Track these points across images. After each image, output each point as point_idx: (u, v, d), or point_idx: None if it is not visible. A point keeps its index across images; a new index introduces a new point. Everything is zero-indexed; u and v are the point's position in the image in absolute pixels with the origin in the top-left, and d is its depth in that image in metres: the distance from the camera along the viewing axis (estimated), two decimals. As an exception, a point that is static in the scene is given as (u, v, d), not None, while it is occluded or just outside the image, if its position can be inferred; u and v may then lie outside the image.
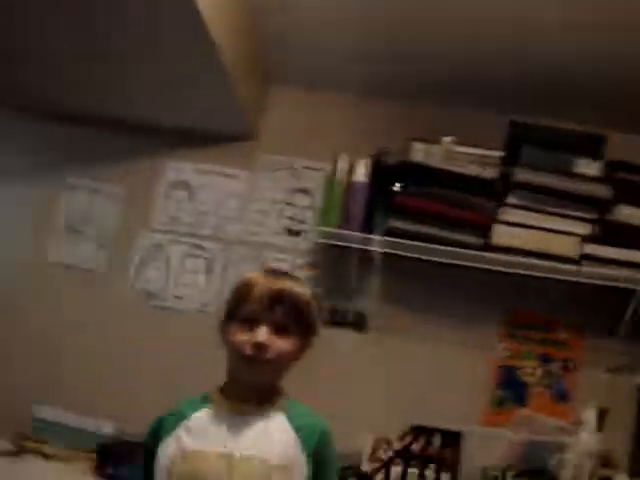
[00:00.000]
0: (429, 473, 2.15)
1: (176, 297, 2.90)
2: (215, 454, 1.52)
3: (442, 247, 2.48)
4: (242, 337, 1.55)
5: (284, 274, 1.68)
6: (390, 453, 2.15)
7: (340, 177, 2.63)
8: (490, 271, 2.53)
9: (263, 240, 2.90)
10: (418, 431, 2.19)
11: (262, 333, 1.54)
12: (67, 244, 3.04)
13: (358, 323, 2.75)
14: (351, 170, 2.63)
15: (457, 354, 2.67)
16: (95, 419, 2.67)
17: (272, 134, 2.99)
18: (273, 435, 1.57)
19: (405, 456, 2.14)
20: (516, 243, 2.51)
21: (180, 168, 3.03)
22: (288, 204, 2.91)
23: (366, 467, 2.16)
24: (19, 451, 2.50)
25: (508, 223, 2.53)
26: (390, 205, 2.57)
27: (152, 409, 2.22)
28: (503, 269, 2.48)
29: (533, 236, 2.52)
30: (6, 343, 2.93)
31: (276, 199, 2.93)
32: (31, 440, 2.56)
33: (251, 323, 1.55)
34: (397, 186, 2.57)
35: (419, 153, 2.56)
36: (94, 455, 2.44)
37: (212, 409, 1.60)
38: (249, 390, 1.59)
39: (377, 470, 2.11)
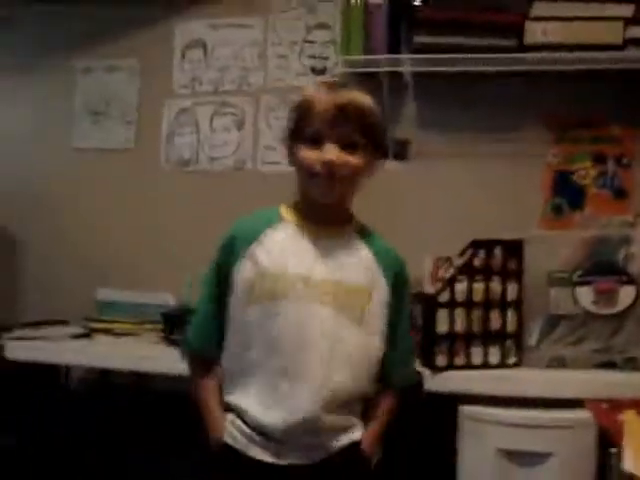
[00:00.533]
0: (494, 285, 2.12)
1: (211, 159, 2.85)
2: (296, 276, 1.50)
3: (474, 55, 2.34)
4: (310, 156, 1.50)
5: (345, 86, 1.60)
6: (452, 271, 2.11)
7: (356, 2, 2.49)
8: (528, 74, 2.40)
9: (289, 84, 2.78)
10: (477, 245, 2.14)
11: (331, 150, 1.48)
12: (92, 127, 2.99)
13: (398, 151, 2.66)
14: (367, -8, 2.49)
15: (505, 167, 2.57)
16: (155, 293, 2.69)
17: (280, -28, 2.83)
18: (352, 257, 1.56)
19: (468, 272, 2.11)
20: (552, 38, 2.36)
21: (192, 28, 2.91)
22: (308, 42, 2.78)
23: (429, 288, 2.14)
24: (90, 332, 2.55)
25: (541, 18, 2.37)
26: (413, 21, 2.44)
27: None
28: (542, 68, 2.34)
29: (570, 28, 2.35)
30: (60, 235, 2.96)
31: (295, 40, 2.80)
32: (99, 321, 2.60)
33: (318, 141, 1.50)
34: (417, 0, 2.42)
35: (437, -39, 2.39)
36: (160, 325, 2.47)
37: (288, 228, 1.57)
38: (322, 210, 1.56)
39: (441, 290, 2.08)
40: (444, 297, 2.10)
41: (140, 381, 2.61)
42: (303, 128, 1.52)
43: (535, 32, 2.37)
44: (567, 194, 2.55)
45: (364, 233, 1.62)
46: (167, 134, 2.90)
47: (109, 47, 2.98)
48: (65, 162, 3.02)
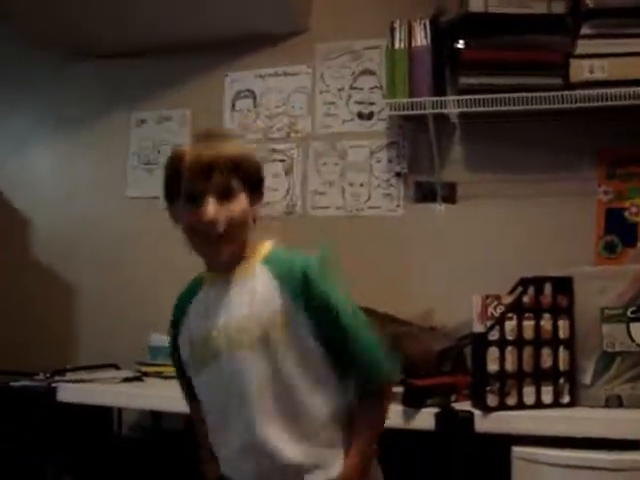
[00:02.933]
0: (545, 323, 2.08)
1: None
2: (215, 332, 1.49)
3: (520, 94, 2.34)
4: (191, 217, 1.45)
5: (214, 136, 1.54)
6: (501, 309, 2.08)
7: (400, 46, 2.53)
8: (574, 112, 2.39)
9: (336, 130, 2.83)
10: (526, 283, 2.11)
11: (209, 207, 1.43)
12: (145, 177, 3.07)
13: (447, 194, 2.66)
14: (410, 36, 2.52)
15: (555, 207, 2.54)
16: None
17: (324, 21, 2.89)
18: (258, 292, 1.48)
19: (517, 310, 2.07)
20: (599, 75, 2.35)
21: (241, 78, 3.00)
22: (354, 89, 2.82)
23: (478, 327, 2.11)
24: (141, 376, 2.57)
25: (585, 56, 2.36)
26: (457, 63, 2.46)
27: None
28: (589, 105, 2.33)
29: (614, 64, 2.34)
30: (114, 281, 3.02)
31: (342, 86, 2.84)
32: (150, 365, 2.63)
33: (194, 197, 1.44)
34: (461, 42, 2.45)
35: (477, 3, 2.42)
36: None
37: (206, 288, 1.57)
38: (224, 263, 1.52)
39: (491, 328, 2.05)
40: (494, 335, 2.06)
41: (191, 426, 2.62)
42: (178, 185, 1.47)
43: (581, 69, 2.36)
44: (620, 231, 2.51)
45: (270, 260, 1.53)
46: (218, 182, 2.95)
47: (162, 98, 3.08)
48: (119, 211, 3.10)
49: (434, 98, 2.47)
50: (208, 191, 1.44)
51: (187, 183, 1.45)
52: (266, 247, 1.57)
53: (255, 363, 1.45)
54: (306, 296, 1.46)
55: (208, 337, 1.50)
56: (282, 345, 1.45)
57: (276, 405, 1.45)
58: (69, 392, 2.43)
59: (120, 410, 2.68)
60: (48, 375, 2.56)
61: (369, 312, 2.38)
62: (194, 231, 1.47)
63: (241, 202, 1.48)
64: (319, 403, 1.48)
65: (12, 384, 2.60)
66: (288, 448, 1.44)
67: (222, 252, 1.48)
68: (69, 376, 2.55)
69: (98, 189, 3.18)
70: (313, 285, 1.47)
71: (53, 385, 2.45)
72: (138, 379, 2.55)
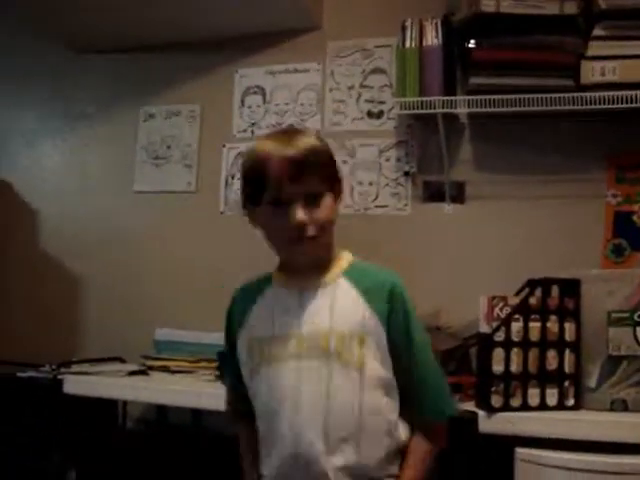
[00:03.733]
0: (551, 325, 2.08)
1: (269, 201, 2.89)
2: (286, 336, 1.46)
3: (530, 95, 2.34)
4: (277, 222, 1.43)
5: (293, 131, 1.53)
6: (508, 310, 2.08)
7: (411, 45, 2.52)
8: (585, 114, 2.39)
9: (346, 128, 2.83)
10: (533, 284, 2.10)
11: (297, 213, 1.40)
12: (153, 171, 3.08)
13: (455, 194, 2.66)
14: (421, 35, 2.52)
15: (563, 209, 2.54)
16: (211, 333, 2.71)
17: (336, 19, 2.89)
18: (338, 304, 1.46)
19: (524, 311, 2.07)
20: (610, 77, 2.34)
21: (251, 74, 3.00)
22: (364, 87, 2.82)
23: (484, 328, 2.10)
24: (146, 369, 2.57)
25: (597, 58, 2.35)
26: (468, 63, 2.45)
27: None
28: (599, 107, 2.32)
29: (626, 66, 2.33)
30: (121, 275, 3.03)
31: (352, 84, 2.84)
32: (155, 359, 2.64)
33: (280, 202, 1.42)
34: (472, 42, 2.44)
35: (489, 3, 2.41)
36: (213, 364, 2.48)
37: (276, 290, 1.53)
38: (305, 265, 1.49)
39: (496, 329, 2.04)
40: (500, 336, 2.06)
41: (196, 421, 2.63)
42: (262, 191, 1.44)
43: (592, 71, 2.35)
44: (628, 234, 2.50)
45: (351, 272, 1.52)
46: (226, 177, 2.95)
47: (171, 93, 3.08)
48: (127, 205, 3.11)
49: (444, 97, 2.46)
50: (297, 195, 1.41)
51: (275, 187, 1.42)
52: (346, 258, 1.55)
53: (324, 374, 1.42)
54: (390, 312, 1.46)
55: (277, 340, 1.47)
56: (355, 361, 1.43)
57: (333, 420, 1.42)
58: (75, 384, 2.43)
59: (125, 403, 2.69)
60: (54, 367, 2.57)
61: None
62: (280, 238, 1.47)
63: (327, 204, 1.45)
64: (377, 427, 1.46)
65: (19, 375, 2.62)
66: (337, 464, 1.41)
67: (309, 253, 1.46)
68: (75, 368, 2.55)
69: (106, 183, 3.19)
70: (399, 303, 1.48)
71: (59, 377, 2.46)
72: (143, 373, 2.55)
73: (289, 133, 1.50)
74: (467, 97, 2.44)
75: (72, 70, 3.29)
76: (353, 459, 1.42)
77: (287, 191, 1.41)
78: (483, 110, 2.41)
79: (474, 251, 2.61)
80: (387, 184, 2.75)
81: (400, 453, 1.49)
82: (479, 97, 2.40)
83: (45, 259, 3.22)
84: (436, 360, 1.55)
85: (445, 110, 2.47)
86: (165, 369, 2.57)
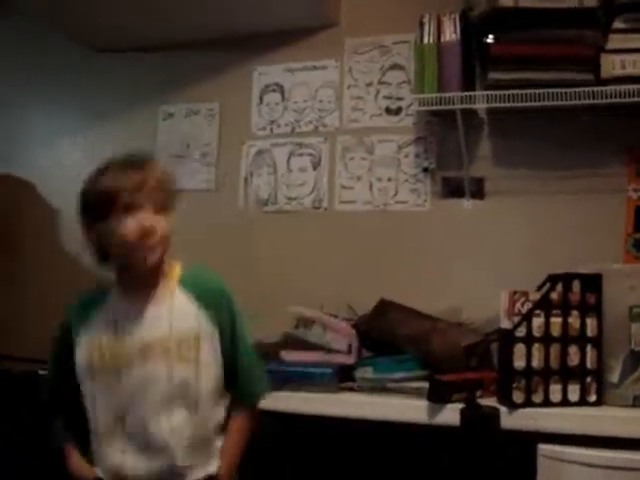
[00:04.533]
0: (572, 320, 2.07)
1: (289, 198, 2.89)
2: (129, 344, 1.59)
3: (549, 90, 2.32)
4: (124, 228, 1.55)
5: (132, 164, 1.65)
6: (529, 305, 2.07)
7: (429, 40, 2.51)
8: (605, 108, 2.37)
9: (364, 125, 2.82)
10: (555, 279, 2.09)
11: (146, 217, 1.56)
12: (174, 170, 3.07)
13: (475, 190, 2.65)
14: (439, 31, 2.50)
15: (584, 203, 2.52)
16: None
17: (353, 16, 2.89)
18: (175, 312, 1.62)
19: (545, 306, 2.06)
20: (630, 70, 2.32)
21: (269, 71, 3.00)
22: (383, 83, 2.82)
23: (506, 323, 2.10)
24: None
25: (617, 51, 2.33)
26: (487, 58, 2.44)
27: (281, 313, 2.28)
28: (619, 101, 2.30)
29: (648, 59, 2.32)
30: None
31: (370, 81, 2.84)
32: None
33: (125, 212, 1.56)
34: (490, 37, 2.43)
35: (508, -3, 2.40)
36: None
37: (114, 300, 1.65)
38: (139, 276, 1.63)
39: (518, 324, 2.04)
40: (521, 332, 2.05)
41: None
42: (103, 216, 1.58)
43: (612, 64, 2.33)
44: (650, 229, 2.48)
45: (184, 279, 1.69)
46: (246, 175, 2.96)
47: (190, 92, 3.09)
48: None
49: (463, 93, 2.45)
50: (141, 205, 1.57)
51: (117, 209, 1.56)
52: (177, 268, 1.72)
53: (167, 375, 1.58)
54: (222, 315, 1.66)
55: (119, 348, 1.59)
56: (195, 362, 1.60)
57: (181, 414, 1.59)
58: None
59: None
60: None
61: (396, 307, 2.39)
62: (123, 243, 1.56)
63: (167, 219, 1.64)
64: (216, 415, 1.66)
65: (40, 372, 2.63)
66: (183, 453, 1.59)
67: (150, 259, 1.60)
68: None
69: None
70: (228, 305, 1.68)
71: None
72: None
73: (130, 165, 1.65)
74: (486, 92, 2.42)
75: (92, 69, 3.30)
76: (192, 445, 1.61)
77: (133, 201, 1.58)
78: (502, 105, 2.39)
79: (494, 246, 2.60)
80: (406, 180, 2.74)
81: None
82: (498, 92, 2.38)
83: (66, 258, 3.23)
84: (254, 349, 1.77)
85: (464, 106, 2.45)
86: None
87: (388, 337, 2.32)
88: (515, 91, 2.36)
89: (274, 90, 2.97)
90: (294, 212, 2.89)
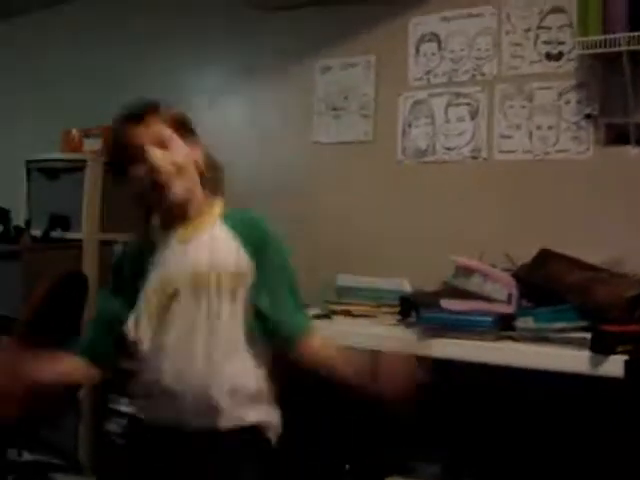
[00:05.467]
0: None
1: (447, 149, 2.89)
2: (173, 279, 1.62)
3: None
4: (137, 172, 1.59)
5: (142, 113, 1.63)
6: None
7: (593, -21, 2.42)
8: None
9: (523, 72, 2.76)
10: None
11: (152, 155, 1.57)
12: (331, 122, 3.16)
13: (641, 136, 2.55)
14: (604, -34, 2.40)
15: None
16: (391, 279, 2.77)
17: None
18: (217, 247, 1.63)
19: None
20: None
21: (425, 21, 2.98)
22: (542, 28, 2.74)
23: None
24: (329, 314, 2.68)
25: None
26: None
27: (439, 262, 2.29)
28: None
29: None
30: (302, 224, 3.14)
31: (529, 27, 2.76)
32: (338, 303, 2.73)
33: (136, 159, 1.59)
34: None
35: None
36: (395, 309, 2.54)
37: (160, 243, 1.66)
38: (178, 213, 1.65)
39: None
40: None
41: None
42: (124, 166, 1.62)
43: None
44: None
45: (226, 216, 1.69)
46: (403, 126, 2.98)
47: (347, 45, 3.13)
48: (306, 155, 3.22)
49: (630, 34, 2.34)
50: (149, 143, 1.59)
51: (133, 162, 1.60)
52: (218, 205, 1.72)
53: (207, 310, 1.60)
54: (260, 249, 1.66)
55: (167, 284, 1.62)
56: (237, 297, 1.62)
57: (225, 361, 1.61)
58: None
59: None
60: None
61: (557, 257, 2.36)
62: (141, 185, 1.60)
63: (182, 147, 1.64)
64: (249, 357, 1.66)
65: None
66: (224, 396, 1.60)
67: (173, 194, 1.61)
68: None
69: (286, 135, 3.32)
70: (265, 239, 1.69)
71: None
72: (327, 316, 2.65)
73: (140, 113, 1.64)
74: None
75: (249, 27, 3.42)
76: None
77: (140, 151, 1.59)
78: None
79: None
80: (567, 128, 2.67)
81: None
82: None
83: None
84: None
85: (631, 47, 2.35)
86: (347, 313, 2.66)
87: (549, 287, 2.30)
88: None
89: (430, 40, 2.96)
90: (452, 162, 2.89)
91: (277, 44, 3.35)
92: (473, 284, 2.31)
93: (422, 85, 2.95)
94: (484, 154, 2.82)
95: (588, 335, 2.06)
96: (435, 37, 2.95)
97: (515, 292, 2.28)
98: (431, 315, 2.26)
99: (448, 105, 2.89)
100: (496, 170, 2.78)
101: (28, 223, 3.28)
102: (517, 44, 2.78)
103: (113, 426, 3.08)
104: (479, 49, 2.85)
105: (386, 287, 2.72)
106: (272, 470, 1.71)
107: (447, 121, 2.89)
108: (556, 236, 2.54)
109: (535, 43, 2.75)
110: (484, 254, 2.46)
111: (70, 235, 3.26)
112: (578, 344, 2.09)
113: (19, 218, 3.36)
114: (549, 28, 2.73)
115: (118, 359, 1.72)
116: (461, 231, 2.76)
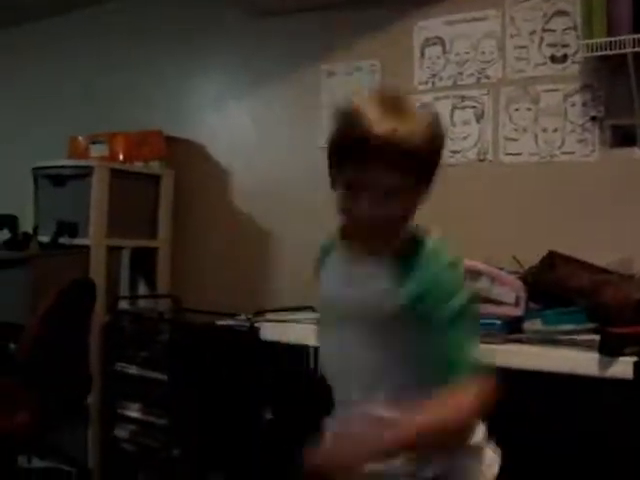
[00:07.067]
0: None
1: (452, 152, 2.89)
2: (330, 300, 1.46)
3: None
4: (343, 204, 1.34)
5: (398, 108, 1.30)
6: None
7: (598, -18, 2.42)
8: None
9: (528, 75, 2.76)
10: None
11: (362, 204, 1.30)
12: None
13: (649, 138, 2.55)
14: (608, -30, 2.40)
15: None
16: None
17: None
18: (372, 280, 1.37)
19: None
20: None
21: (430, 25, 2.99)
22: (546, 31, 2.74)
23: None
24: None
25: None
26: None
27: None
28: None
29: None
30: (309, 229, 3.13)
31: (533, 29, 2.76)
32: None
33: (351, 187, 1.31)
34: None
35: None
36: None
37: (338, 252, 1.49)
38: (364, 230, 1.38)
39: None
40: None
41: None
42: (339, 163, 1.34)
43: None
44: None
45: (406, 251, 1.38)
46: (408, 130, 2.98)
47: (351, 50, 3.15)
48: (312, 160, 3.21)
49: (635, 35, 2.34)
50: (368, 186, 1.30)
51: (349, 168, 1.31)
52: (411, 243, 1.40)
53: (365, 339, 1.39)
54: (424, 305, 1.34)
55: (336, 301, 1.45)
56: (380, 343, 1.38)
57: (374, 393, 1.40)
58: (271, 331, 2.63)
59: (316, 349, 2.81)
60: (249, 316, 2.78)
61: (565, 260, 2.36)
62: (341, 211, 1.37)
63: (404, 201, 1.34)
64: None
65: (218, 323, 2.83)
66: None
67: (368, 242, 1.40)
68: (269, 317, 2.72)
69: (292, 141, 3.33)
70: (435, 303, 1.34)
71: (255, 325, 2.67)
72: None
73: (393, 105, 1.32)
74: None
75: (252, 33, 3.44)
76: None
77: (360, 178, 1.30)
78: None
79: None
80: (573, 130, 2.68)
81: None
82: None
83: (237, 215, 3.41)
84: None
85: (636, 49, 2.35)
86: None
87: (557, 289, 2.30)
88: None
89: (435, 43, 2.97)
90: (458, 165, 2.89)
91: (282, 49, 3.36)
92: (481, 287, 2.31)
93: (427, 89, 2.96)
94: (490, 156, 2.82)
95: (596, 337, 2.06)
96: (440, 41, 2.95)
97: (523, 295, 2.28)
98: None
99: (453, 108, 2.90)
100: (502, 173, 2.79)
101: (35, 230, 3.29)
102: (522, 47, 2.79)
103: (121, 432, 3.10)
104: (484, 52, 2.86)
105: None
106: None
107: (453, 124, 2.90)
108: (562, 238, 2.54)
109: (540, 46, 2.75)
110: (491, 257, 2.46)
111: (77, 241, 3.26)
112: (586, 346, 2.09)
113: (27, 225, 3.37)
114: (553, 31, 2.73)
115: None
116: (468, 233, 2.74)
